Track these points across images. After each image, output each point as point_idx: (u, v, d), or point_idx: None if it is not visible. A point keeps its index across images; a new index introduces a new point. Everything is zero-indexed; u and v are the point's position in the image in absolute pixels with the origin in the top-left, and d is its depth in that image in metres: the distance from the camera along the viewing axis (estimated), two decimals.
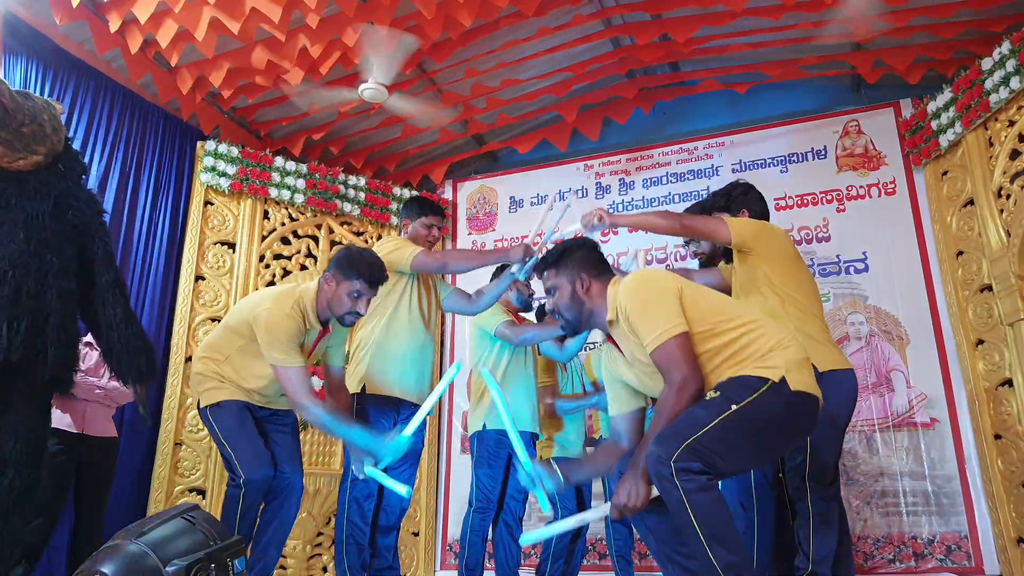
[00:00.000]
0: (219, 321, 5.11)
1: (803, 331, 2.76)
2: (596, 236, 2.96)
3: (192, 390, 3.22)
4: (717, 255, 3.42)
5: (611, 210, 5.71)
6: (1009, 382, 4.25)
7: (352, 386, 3.35)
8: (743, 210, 3.17)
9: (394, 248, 3.38)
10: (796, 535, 2.77)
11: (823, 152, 5.35)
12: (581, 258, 2.38)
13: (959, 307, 4.59)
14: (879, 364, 4.78)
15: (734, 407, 1.99)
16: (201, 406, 3.06)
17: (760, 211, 3.21)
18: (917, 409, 4.64)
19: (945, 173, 4.80)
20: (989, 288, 4.40)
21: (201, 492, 4.81)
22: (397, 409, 3.32)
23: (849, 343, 4.87)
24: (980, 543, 4.32)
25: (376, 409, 3.28)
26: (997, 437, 4.30)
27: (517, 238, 5.90)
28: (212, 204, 5.34)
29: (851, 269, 5.04)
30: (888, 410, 4.69)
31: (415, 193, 6.00)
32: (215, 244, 5.28)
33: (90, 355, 4.21)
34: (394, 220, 5.85)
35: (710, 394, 2.06)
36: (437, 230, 3.60)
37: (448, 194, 6.36)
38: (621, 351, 2.35)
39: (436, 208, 3.67)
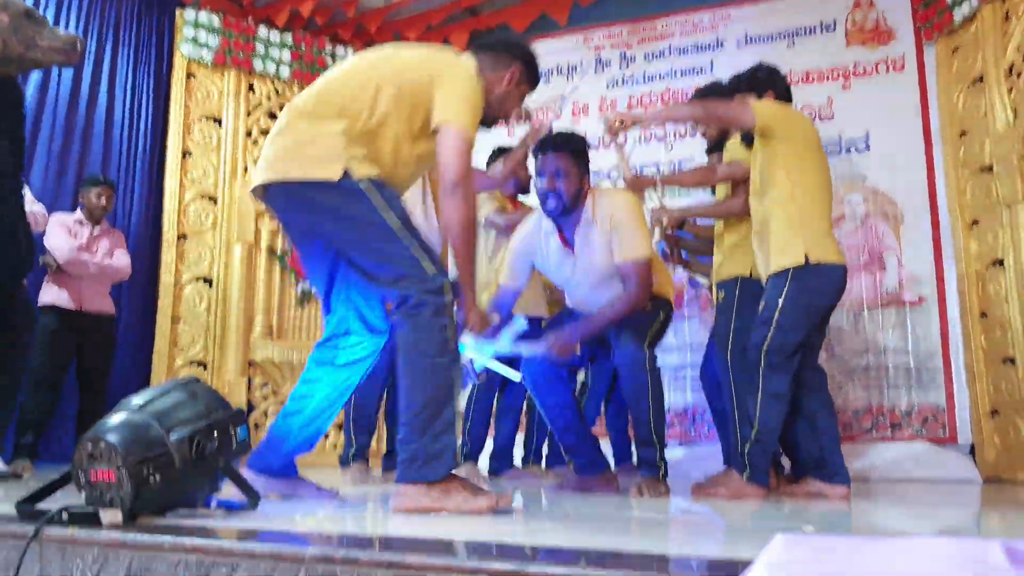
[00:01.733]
0: (210, 198, 5.11)
1: (804, 221, 2.81)
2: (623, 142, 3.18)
3: None
4: (727, 135, 3.37)
5: (610, 84, 5.59)
6: (1000, 262, 4.28)
7: None
8: (769, 91, 3.10)
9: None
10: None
11: (832, 26, 5.15)
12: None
13: (957, 188, 4.56)
14: (872, 244, 4.80)
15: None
16: None
17: (785, 95, 3.15)
18: (906, 288, 4.70)
19: (956, 49, 4.65)
20: (990, 169, 4.35)
21: (202, 365, 4.92)
22: None
23: (845, 223, 4.87)
24: (956, 415, 4.47)
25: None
26: (983, 315, 4.38)
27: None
28: (195, 77, 5.19)
29: (852, 149, 4.96)
30: (878, 289, 4.75)
31: None
32: (200, 119, 5.17)
33: (81, 232, 4.21)
34: None
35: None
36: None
37: None
38: (571, 249, 2.99)
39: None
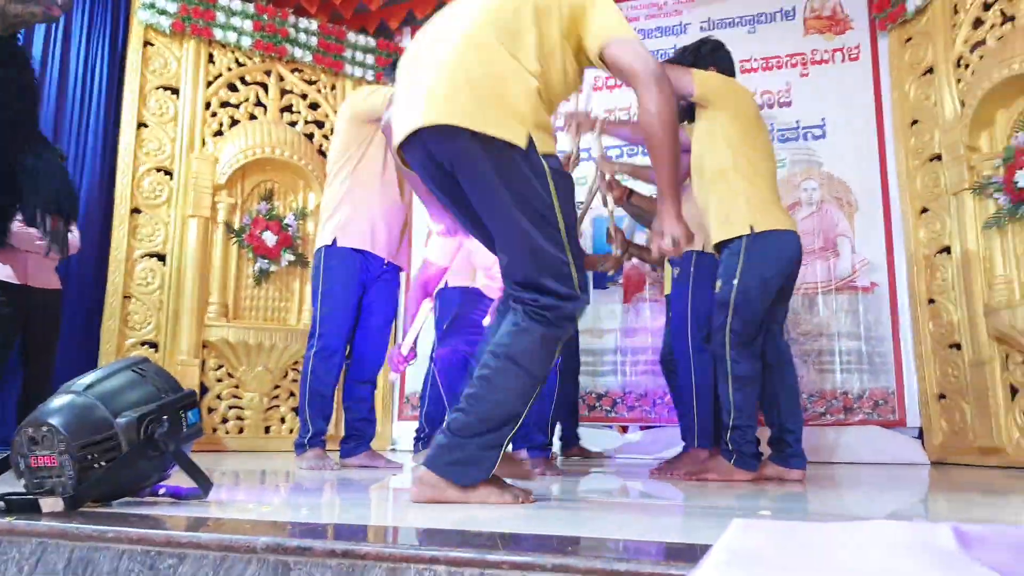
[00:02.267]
0: (165, 171, 4.99)
1: (748, 191, 2.82)
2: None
3: None
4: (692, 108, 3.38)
5: None
6: (947, 249, 4.39)
7: (324, 239, 3.35)
8: (711, 67, 3.12)
9: (367, 93, 3.33)
10: (720, 392, 2.91)
11: (791, 13, 5.21)
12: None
13: (908, 176, 4.65)
14: (827, 229, 4.88)
15: None
16: None
17: (728, 70, 3.17)
18: (859, 273, 4.78)
19: (908, 40, 4.73)
20: (939, 158, 4.45)
21: (153, 345, 4.82)
22: (364, 265, 3.33)
23: (801, 208, 4.94)
24: (905, 399, 4.59)
25: (345, 263, 3.30)
26: (931, 302, 4.49)
27: None
28: (152, 45, 5.06)
29: (809, 135, 5.03)
30: (832, 274, 4.83)
31: (371, 40, 5.74)
32: (157, 89, 5.04)
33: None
34: (348, 69, 5.62)
35: None
36: None
37: (407, 42, 6.09)
38: None
39: None
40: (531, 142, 1.74)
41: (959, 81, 4.33)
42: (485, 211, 1.82)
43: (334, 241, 3.30)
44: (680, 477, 2.93)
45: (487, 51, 1.80)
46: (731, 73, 3.18)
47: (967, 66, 4.28)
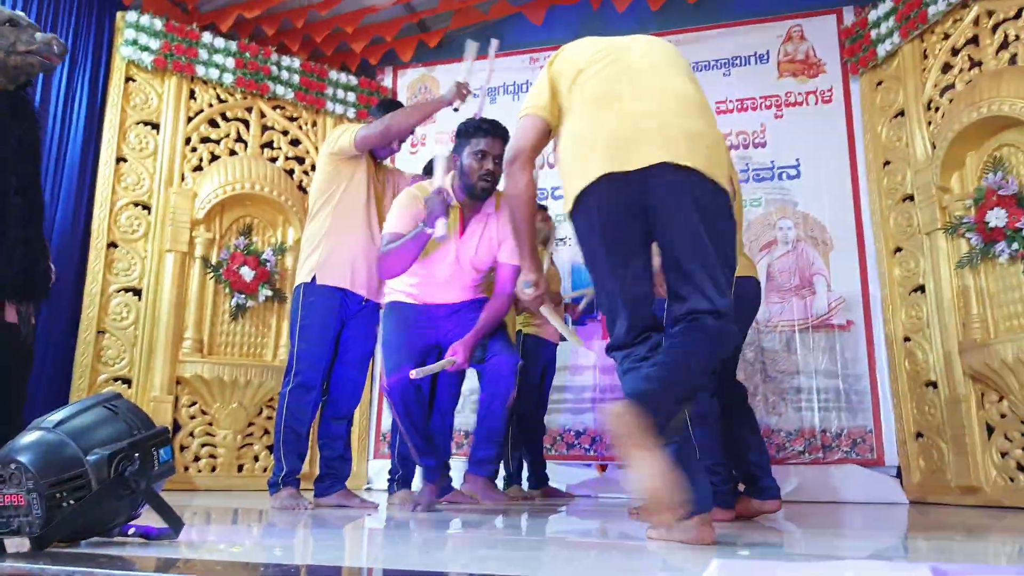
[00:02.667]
0: (143, 205, 4.97)
1: None
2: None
3: None
4: None
5: None
6: (922, 288, 4.45)
7: (303, 276, 3.33)
8: None
9: (340, 133, 3.33)
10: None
11: (765, 56, 5.33)
12: None
13: (882, 215, 4.73)
14: (803, 268, 4.94)
15: None
16: None
17: None
18: (835, 312, 4.83)
19: (880, 83, 4.85)
20: (911, 198, 4.53)
21: (126, 381, 4.75)
22: (343, 302, 3.30)
23: (777, 247, 5.00)
24: (883, 437, 4.60)
25: (324, 300, 3.27)
26: (906, 340, 4.53)
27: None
28: (134, 81, 5.07)
29: (784, 175, 5.12)
30: (808, 312, 4.88)
31: (352, 79, 5.78)
32: (137, 124, 5.04)
33: None
34: (330, 106, 5.65)
35: None
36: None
37: (388, 82, 6.14)
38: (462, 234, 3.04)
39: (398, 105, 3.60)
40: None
41: (929, 123, 4.43)
42: (687, 246, 1.95)
43: (313, 279, 3.28)
44: (636, 517, 2.91)
45: (703, 111, 2.06)
46: None
47: (937, 109, 4.39)
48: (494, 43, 3.51)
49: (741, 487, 3.07)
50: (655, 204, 1.95)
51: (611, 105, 2.03)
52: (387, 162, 3.60)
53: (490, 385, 3.11)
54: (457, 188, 3.06)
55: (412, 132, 3.52)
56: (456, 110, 3.43)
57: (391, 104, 3.56)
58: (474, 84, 3.45)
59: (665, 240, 1.99)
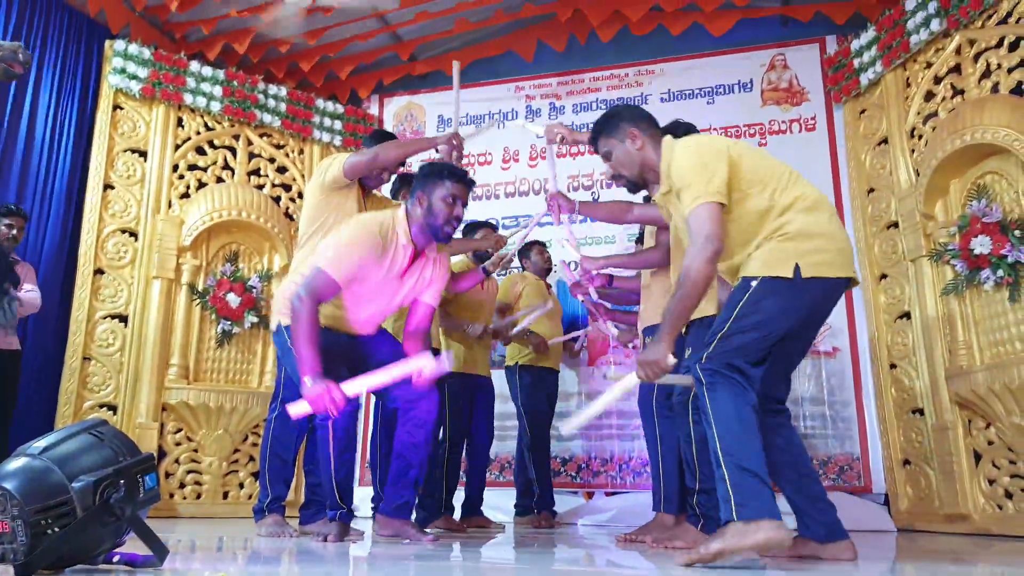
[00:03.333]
0: (130, 232, 4.96)
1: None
2: (554, 150, 3.18)
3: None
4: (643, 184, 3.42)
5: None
6: (907, 315, 4.48)
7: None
8: None
9: (329, 162, 3.29)
10: (683, 454, 2.90)
11: (749, 85, 5.41)
12: (629, 115, 2.53)
13: (867, 243, 4.78)
14: None
15: None
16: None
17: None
18: (821, 338, 4.85)
19: (863, 111, 4.92)
20: (896, 225, 4.58)
21: (112, 408, 4.71)
22: (338, 339, 3.18)
23: None
24: (870, 464, 4.61)
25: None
26: (892, 367, 4.55)
27: (443, 159, 5.80)
28: (122, 109, 5.08)
29: None
30: None
31: (339, 107, 5.81)
32: (125, 151, 5.05)
33: None
34: (316, 134, 5.67)
35: None
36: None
37: (374, 109, 6.19)
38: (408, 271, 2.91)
39: (391, 136, 3.56)
40: None
41: (913, 151, 4.49)
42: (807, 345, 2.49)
43: None
44: (648, 545, 2.90)
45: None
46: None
47: (920, 137, 4.45)
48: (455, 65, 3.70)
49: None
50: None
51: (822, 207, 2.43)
52: (377, 192, 3.60)
53: (412, 429, 2.99)
54: (418, 227, 2.91)
55: (401, 164, 3.52)
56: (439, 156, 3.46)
57: (383, 135, 3.57)
58: (462, 113, 3.50)
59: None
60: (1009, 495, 3.81)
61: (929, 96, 4.43)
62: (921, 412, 4.33)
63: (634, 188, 2.62)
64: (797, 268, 2.17)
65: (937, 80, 4.37)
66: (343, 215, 3.29)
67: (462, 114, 5.84)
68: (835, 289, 2.27)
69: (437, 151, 3.48)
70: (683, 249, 2.99)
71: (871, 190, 4.80)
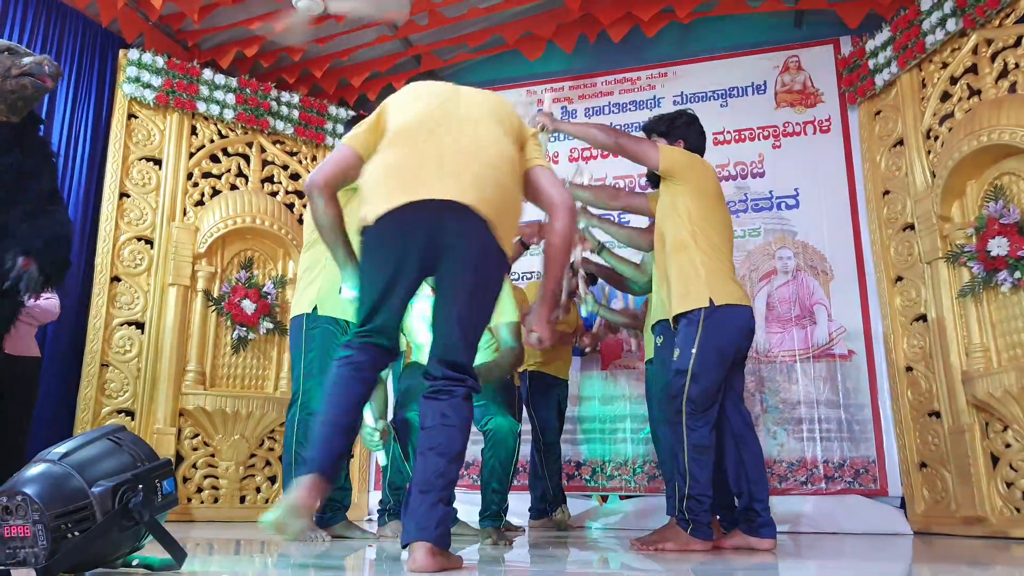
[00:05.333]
0: (146, 240, 5.00)
1: (707, 265, 2.91)
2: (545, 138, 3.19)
3: None
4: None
5: (552, 137, 5.68)
6: (923, 317, 4.45)
7: (303, 306, 3.30)
8: (680, 140, 3.21)
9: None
10: (676, 460, 2.89)
11: (763, 87, 5.39)
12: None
13: (882, 245, 4.75)
14: (804, 298, 4.94)
15: None
16: None
17: (697, 145, 3.25)
18: (836, 341, 4.83)
19: (878, 113, 4.89)
20: (911, 227, 4.55)
21: (130, 414, 4.75)
22: (345, 332, 3.26)
23: (777, 277, 5.01)
24: (886, 467, 4.58)
25: (327, 330, 3.24)
26: (908, 369, 4.52)
27: None
28: (136, 117, 5.12)
29: (783, 205, 5.14)
30: (809, 341, 4.87)
31: (352, 113, 5.84)
32: (140, 160, 5.09)
33: None
34: (329, 140, 5.70)
35: None
36: None
37: None
38: None
39: None
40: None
41: (929, 152, 4.46)
42: (460, 290, 1.99)
43: (315, 309, 3.28)
44: (638, 548, 2.90)
45: (512, 168, 2.10)
46: (700, 148, 3.27)
47: (936, 138, 4.42)
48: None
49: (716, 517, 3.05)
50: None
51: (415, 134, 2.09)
52: None
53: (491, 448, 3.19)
54: None
55: None
56: None
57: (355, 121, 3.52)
58: None
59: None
60: None
61: (945, 97, 4.40)
62: (937, 415, 4.29)
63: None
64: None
65: (953, 80, 4.34)
66: (349, 217, 3.27)
67: None
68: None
69: None
70: (665, 245, 3.01)
71: (887, 192, 4.77)
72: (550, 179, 2.17)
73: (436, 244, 1.96)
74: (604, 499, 5.04)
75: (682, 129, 3.24)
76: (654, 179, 3.26)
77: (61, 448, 1.65)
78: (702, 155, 3.24)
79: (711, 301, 2.87)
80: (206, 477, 4.92)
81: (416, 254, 1.97)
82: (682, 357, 2.87)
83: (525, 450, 4.96)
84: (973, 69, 4.23)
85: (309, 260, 3.38)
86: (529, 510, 4.58)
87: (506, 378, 3.46)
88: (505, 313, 3.27)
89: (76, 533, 1.52)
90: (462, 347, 1.97)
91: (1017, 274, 3.76)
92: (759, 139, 5.30)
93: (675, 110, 3.40)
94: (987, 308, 4.03)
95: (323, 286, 3.29)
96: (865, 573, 2.24)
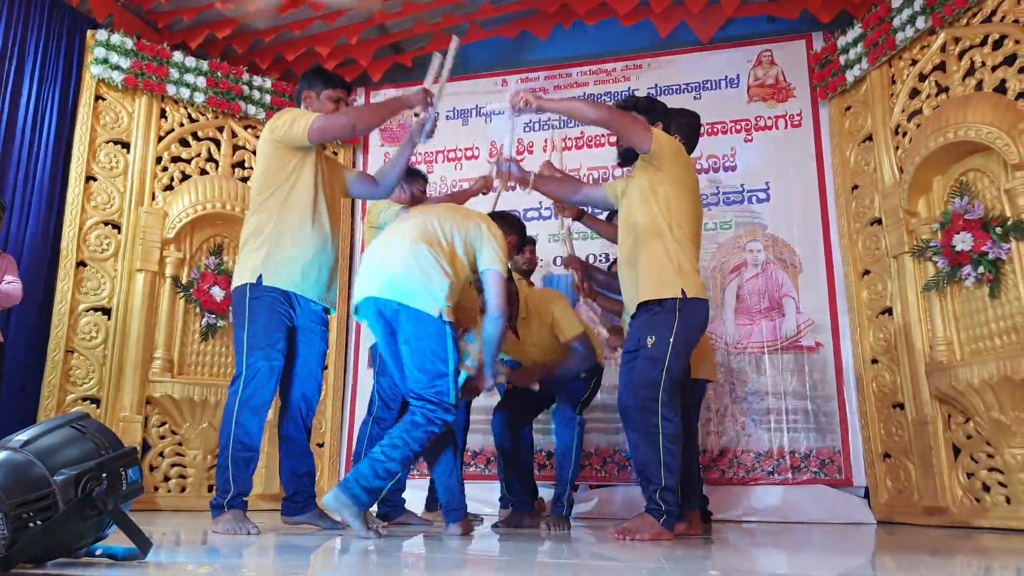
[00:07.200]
0: (113, 224, 4.91)
1: (680, 256, 2.91)
2: (522, 118, 3.18)
3: None
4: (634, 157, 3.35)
5: (527, 128, 5.67)
6: (889, 311, 4.52)
7: (245, 275, 3.06)
8: (676, 134, 3.22)
9: (290, 120, 3.05)
10: (645, 451, 2.85)
11: (736, 81, 5.42)
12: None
13: (850, 239, 4.81)
14: (772, 290, 4.99)
15: None
16: None
17: (689, 145, 3.29)
18: (804, 333, 4.89)
19: (848, 108, 4.95)
20: (879, 221, 4.62)
21: (95, 401, 4.68)
22: (292, 306, 3.08)
23: (746, 269, 5.06)
24: (851, 458, 4.65)
25: (272, 302, 3.01)
26: (874, 362, 4.60)
27: (432, 152, 5.80)
28: (104, 99, 5.03)
29: (753, 198, 5.19)
30: (777, 333, 4.93)
31: None
32: (107, 143, 5.00)
33: None
34: None
35: None
36: (345, 105, 3.28)
37: (361, 102, 6.16)
38: None
39: (343, 81, 3.29)
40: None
41: (897, 148, 4.53)
42: None
43: (259, 279, 3.03)
44: (644, 539, 2.88)
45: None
46: (689, 148, 3.29)
47: (905, 134, 4.49)
48: (455, 40, 3.45)
49: None
50: None
51: None
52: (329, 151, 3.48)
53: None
54: None
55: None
56: (416, 115, 3.30)
57: (326, 75, 3.29)
58: (440, 98, 3.36)
59: None
60: (987, 488, 3.86)
61: (914, 93, 4.47)
62: (902, 407, 4.37)
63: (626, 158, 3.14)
64: None
65: (922, 77, 4.41)
66: (303, 180, 3.09)
67: (448, 107, 5.88)
68: None
69: (415, 114, 3.31)
70: (635, 229, 3.00)
71: (855, 187, 4.84)
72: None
73: None
74: (575, 488, 5.06)
75: (680, 126, 3.32)
76: (628, 158, 3.22)
77: (23, 435, 1.62)
78: (689, 153, 3.26)
79: (683, 292, 2.87)
80: (173, 466, 4.87)
81: None
82: (659, 345, 2.84)
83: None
84: (941, 67, 4.29)
85: (254, 224, 3.12)
86: (499, 499, 4.58)
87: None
88: (574, 328, 3.60)
89: (38, 522, 1.50)
90: None
91: (980, 269, 3.83)
92: (731, 132, 5.33)
93: (649, 96, 3.42)
94: (951, 302, 4.10)
95: (268, 254, 3.05)
96: (831, 562, 2.27)
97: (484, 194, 3.91)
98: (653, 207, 2.96)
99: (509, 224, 3.66)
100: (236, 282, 3.13)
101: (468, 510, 3.15)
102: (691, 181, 3.07)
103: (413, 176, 3.86)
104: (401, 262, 2.80)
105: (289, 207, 3.09)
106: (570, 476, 3.67)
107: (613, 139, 3.77)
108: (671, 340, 2.83)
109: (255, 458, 3.06)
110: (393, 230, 2.98)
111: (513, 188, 3.40)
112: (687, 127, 3.30)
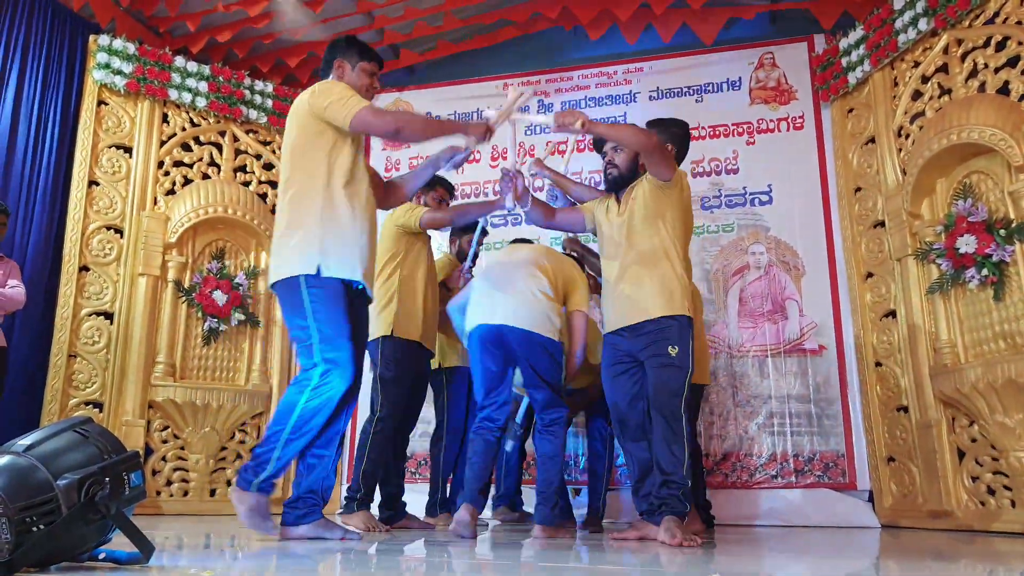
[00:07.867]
0: (115, 229, 4.92)
1: (683, 279, 3.02)
2: (561, 135, 3.28)
3: None
4: (631, 176, 3.29)
5: (529, 131, 5.65)
6: (893, 314, 4.51)
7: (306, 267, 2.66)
8: (675, 150, 3.24)
9: (338, 98, 2.68)
10: (662, 453, 2.86)
11: (737, 83, 5.42)
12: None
13: (853, 241, 4.80)
14: (775, 293, 4.98)
15: None
16: None
17: (678, 149, 3.29)
18: (807, 336, 4.88)
19: (851, 110, 4.94)
20: (882, 224, 4.61)
21: (98, 405, 4.68)
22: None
23: (749, 272, 5.05)
24: (855, 461, 4.63)
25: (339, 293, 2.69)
26: (878, 364, 4.58)
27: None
28: (106, 104, 5.04)
29: (756, 201, 5.18)
30: (781, 336, 4.92)
31: None
32: (109, 147, 5.01)
33: None
34: None
35: None
36: (378, 82, 3.00)
37: None
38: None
39: (378, 55, 2.97)
40: None
41: (900, 150, 4.52)
42: None
43: (318, 270, 2.65)
44: (612, 539, 2.92)
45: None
46: (680, 156, 3.33)
47: (907, 136, 4.48)
48: (527, 91, 3.33)
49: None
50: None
51: None
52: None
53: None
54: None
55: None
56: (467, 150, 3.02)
57: (361, 46, 2.96)
58: (501, 130, 3.08)
59: None
60: (991, 492, 3.84)
61: (916, 95, 4.46)
62: (906, 410, 4.36)
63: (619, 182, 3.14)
64: None
65: (924, 79, 4.40)
66: (338, 170, 2.72)
67: (448, 109, 5.87)
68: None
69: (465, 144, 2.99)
70: (637, 247, 3.02)
71: (858, 189, 4.83)
72: None
73: None
74: (576, 492, 5.04)
75: (680, 140, 3.31)
76: (619, 184, 3.18)
77: (26, 440, 1.62)
78: (681, 161, 3.33)
79: (687, 311, 2.98)
80: (175, 470, 4.87)
81: None
82: (682, 355, 2.93)
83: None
84: (944, 68, 4.28)
85: (291, 210, 2.71)
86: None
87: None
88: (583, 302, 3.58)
89: (41, 526, 1.49)
90: None
91: (984, 271, 3.82)
92: (733, 135, 5.33)
93: (677, 122, 3.39)
94: (955, 305, 4.09)
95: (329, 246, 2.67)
96: (835, 566, 2.26)
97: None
98: (661, 230, 3.04)
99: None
100: (290, 273, 2.70)
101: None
102: (689, 205, 3.20)
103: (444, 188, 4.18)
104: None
105: (334, 184, 2.73)
106: (603, 487, 3.93)
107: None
108: (689, 351, 2.95)
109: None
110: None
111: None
112: (678, 136, 3.30)
